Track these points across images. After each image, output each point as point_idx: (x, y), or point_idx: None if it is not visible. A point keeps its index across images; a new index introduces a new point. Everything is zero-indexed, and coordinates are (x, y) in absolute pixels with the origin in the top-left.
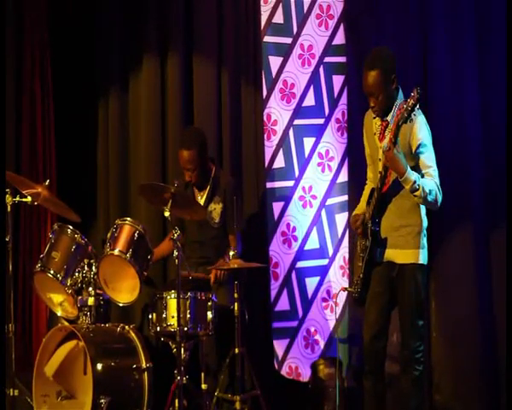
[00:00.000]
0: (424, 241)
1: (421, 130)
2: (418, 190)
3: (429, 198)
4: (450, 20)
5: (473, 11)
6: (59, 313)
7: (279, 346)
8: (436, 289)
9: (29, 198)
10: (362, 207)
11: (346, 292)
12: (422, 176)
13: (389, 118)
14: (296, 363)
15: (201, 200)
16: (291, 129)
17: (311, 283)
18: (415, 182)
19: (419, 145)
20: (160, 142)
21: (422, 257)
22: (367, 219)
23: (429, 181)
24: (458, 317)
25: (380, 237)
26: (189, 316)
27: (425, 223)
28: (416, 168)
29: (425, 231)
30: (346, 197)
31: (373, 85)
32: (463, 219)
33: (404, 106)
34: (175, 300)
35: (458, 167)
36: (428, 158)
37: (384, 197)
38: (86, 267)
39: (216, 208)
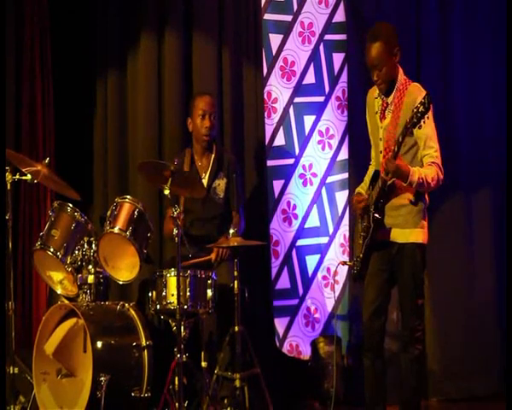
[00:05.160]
0: (425, 220)
1: None
2: (423, 183)
3: (432, 184)
4: None
5: None
6: (59, 291)
7: (280, 324)
8: (430, 267)
9: (29, 176)
10: (365, 185)
11: (347, 269)
12: (421, 159)
13: (390, 100)
14: (297, 341)
15: (206, 176)
16: (291, 107)
17: (312, 261)
18: (419, 179)
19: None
20: (158, 119)
21: (422, 236)
22: (370, 203)
23: (429, 169)
24: (452, 296)
25: (383, 222)
26: (188, 294)
27: (426, 202)
28: (416, 145)
29: (426, 211)
30: (346, 175)
31: (376, 57)
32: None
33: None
34: (175, 278)
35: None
36: (430, 137)
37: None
38: (86, 245)
39: (220, 184)
